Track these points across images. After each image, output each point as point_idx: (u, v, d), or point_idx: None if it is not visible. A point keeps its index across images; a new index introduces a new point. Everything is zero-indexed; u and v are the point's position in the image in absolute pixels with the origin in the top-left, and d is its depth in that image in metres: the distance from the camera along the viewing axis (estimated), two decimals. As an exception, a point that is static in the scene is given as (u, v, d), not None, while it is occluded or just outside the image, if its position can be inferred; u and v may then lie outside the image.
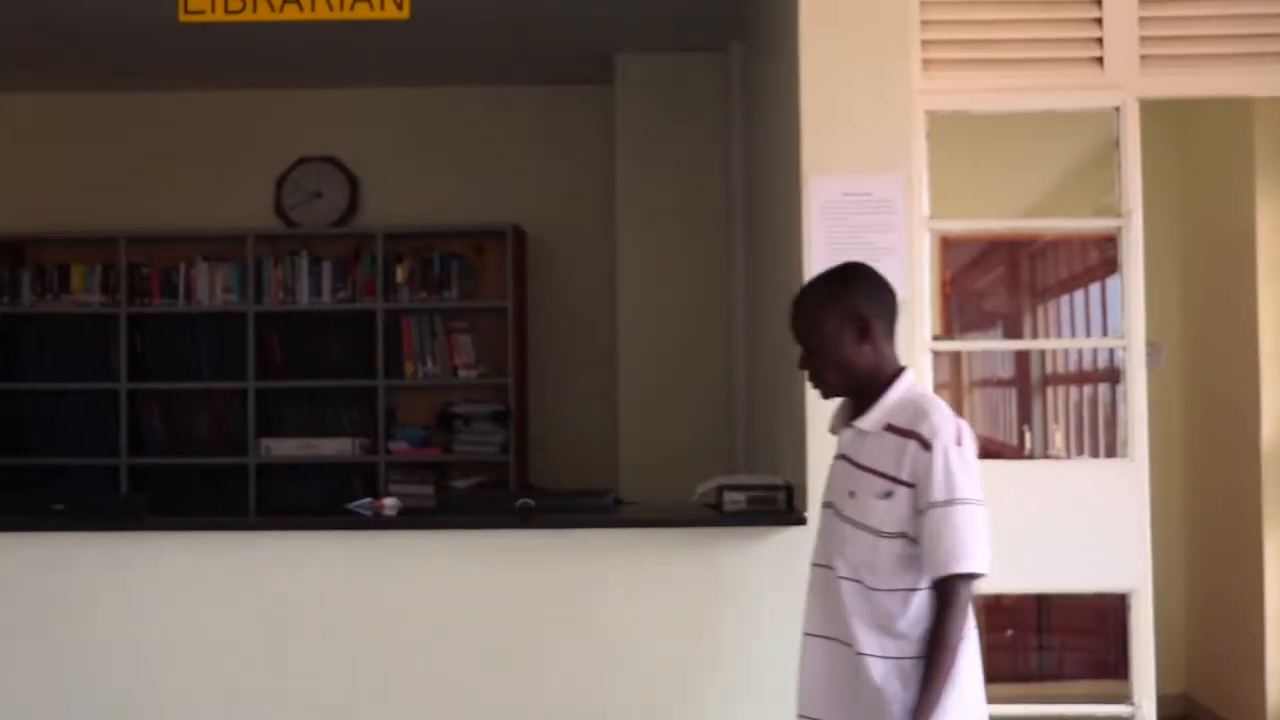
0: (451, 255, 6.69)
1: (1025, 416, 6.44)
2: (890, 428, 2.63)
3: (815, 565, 2.78)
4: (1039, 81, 3.79)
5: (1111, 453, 4.58)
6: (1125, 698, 3.72)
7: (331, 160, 6.90)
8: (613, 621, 3.53)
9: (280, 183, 6.89)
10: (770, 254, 4.57)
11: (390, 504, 3.71)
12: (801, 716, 2.73)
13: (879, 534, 2.60)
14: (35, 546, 3.53)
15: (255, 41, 6.06)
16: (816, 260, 3.54)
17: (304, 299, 6.67)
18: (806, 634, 2.76)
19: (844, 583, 2.65)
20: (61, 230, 6.84)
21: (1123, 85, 3.78)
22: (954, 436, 2.59)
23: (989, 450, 6.57)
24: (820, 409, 3.49)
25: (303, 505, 6.66)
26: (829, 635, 2.68)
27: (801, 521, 3.51)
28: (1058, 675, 5.77)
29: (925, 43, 3.73)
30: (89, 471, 6.74)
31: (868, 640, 2.59)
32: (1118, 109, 3.79)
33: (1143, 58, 3.79)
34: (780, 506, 3.67)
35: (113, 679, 3.51)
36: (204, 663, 3.50)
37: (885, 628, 2.59)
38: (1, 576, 3.51)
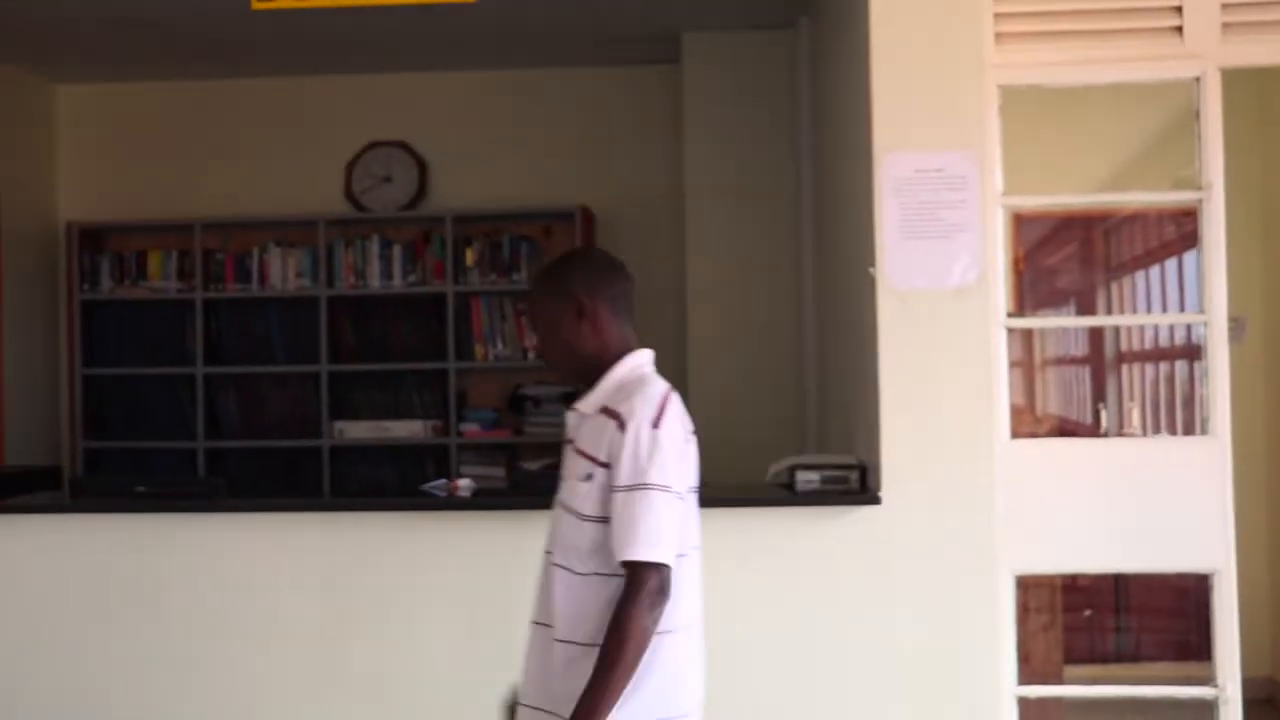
0: (520, 237, 6.71)
1: (1100, 394, 6.36)
2: (604, 410, 2.55)
3: (545, 552, 2.67)
4: (1115, 53, 3.72)
5: (1191, 430, 4.51)
6: (1208, 680, 3.66)
7: (401, 144, 6.94)
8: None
9: (350, 167, 6.95)
10: (841, 232, 4.53)
11: (464, 485, 3.73)
12: (519, 704, 2.61)
13: (582, 517, 2.51)
14: (120, 527, 3.59)
15: (324, 28, 6.11)
16: (889, 238, 3.52)
17: (375, 283, 6.73)
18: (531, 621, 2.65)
19: (554, 568, 2.55)
20: (139, 218, 6.96)
21: (1203, 54, 3.70)
22: (651, 418, 2.48)
23: (1063, 429, 6.50)
24: (897, 388, 3.48)
25: (375, 487, 6.73)
26: (539, 620, 2.59)
27: (876, 501, 3.49)
28: (1136, 657, 5.70)
29: (998, 15, 3.67)
30: (167, 455, 6.86)
31: (565, 625, 2.49)
32: (1198, 79, 3.71)
33: (1224, 25, 3.70)
34: (854, 486, 3.65)
35: (191, 655, 3.56)
36: (279, 641, 3.55)
37: (584, 614, 2.47)
38: (88, 556, 3.58)
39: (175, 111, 7.11)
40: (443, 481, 3.81)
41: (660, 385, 2.58)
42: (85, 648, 3.57)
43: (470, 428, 6.67)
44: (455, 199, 6.87)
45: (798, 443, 5.81)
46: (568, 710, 2.38)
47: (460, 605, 3.52)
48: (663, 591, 2.42)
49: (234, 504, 3.60)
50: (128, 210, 7.02)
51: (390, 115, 6.97)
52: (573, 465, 2.57)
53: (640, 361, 2.65)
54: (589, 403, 2.59)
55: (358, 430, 6.71)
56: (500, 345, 6.69)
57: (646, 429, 2.46)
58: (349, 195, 6.94)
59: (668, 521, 2.43)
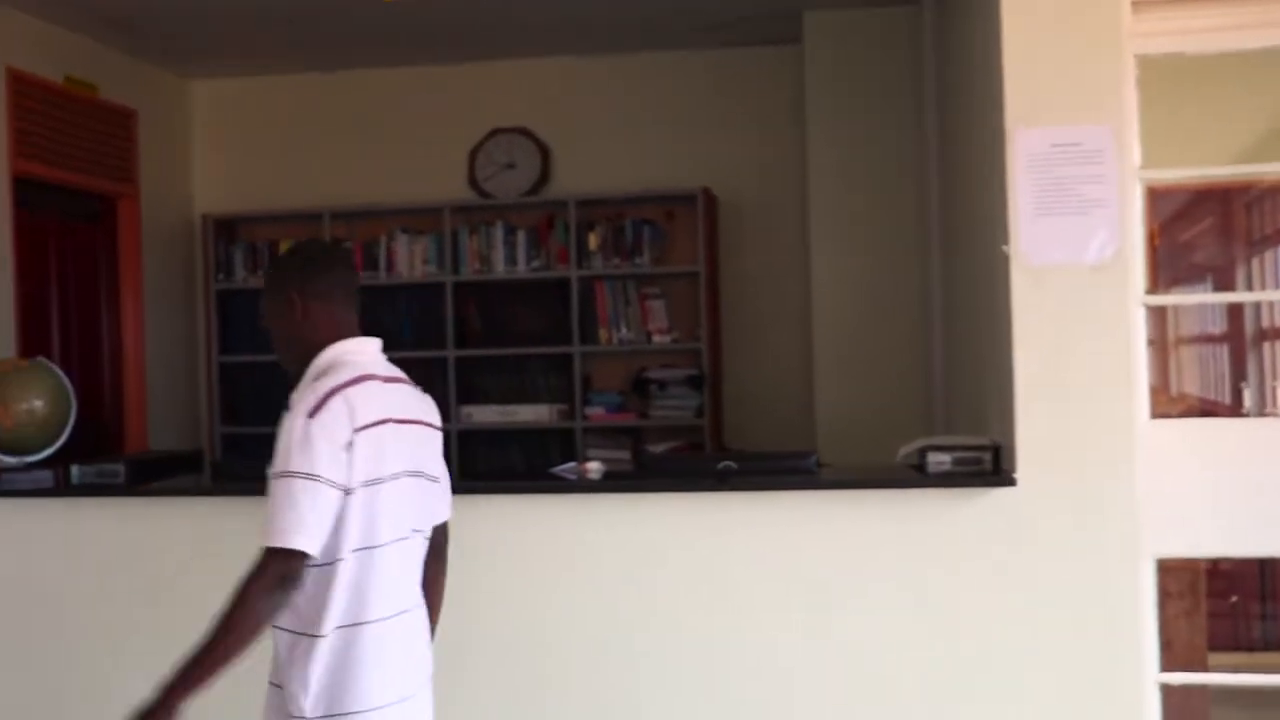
0: (643, 221, 6.72)
1: (1240, 373, 6.17)
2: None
3: None
4: (1260, 17, 3.58)
5: (1341, 409, 4.35)
6: (1362, 667, 3.54)
7: (523, 131, 7.00)
8: (818, 583, 3.51)
9: (474, 155, 7.02)
10: (971, 211, 4.46)
11: (594, 468, 3.75)
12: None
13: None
14: (259, 509, 3.67)
15: (448, 18, 6.19)
16: (1023, 215, 3.44)
17: (499, 268, 6.80)
18: None
19: None
20: (269, 209, 7.12)
21: (1354, 18, 3.55)
22: (310, 408, 2.49)
23: (1202, 409, 6.31)
24: (1033, 368, 3.41)
25: (502, 470, 6.80)
26: None
27: (1011, 482, 3.43)
28: (1285, 645, 5.53)
29: (1135, -18, 3.57)
30: (300, 439, 6.99)
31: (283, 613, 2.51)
32: (1348, 44, 3.57)
33: (1378, -13, 3.55)
34: (987, 468, 3.59)
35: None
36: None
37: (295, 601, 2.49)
38: (230, 538, 3.66)
39: (303, 104, 7.26)
40: (573, 464, 3.83)
41: (341, 377, 2.57)
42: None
43: (595, 411, 6.71)
44: (578, 184, 6.90)
45: (924, 424, 5.74)
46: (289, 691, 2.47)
47: (593, 587, 3.54)
48: (288, 579, 2.43)
49: (370, 487, 3.66)
50: (259, 201, 7.19)
51: (512, 102, 7.03)
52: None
53: (340, 351, 2.66)
54: (295, 394, 2.62)
55: (484, 414, 6.80)
56: (624, 329, 6.71)
57: (301, 419, 2.49)
58: (473, 182, 7.02)
59: (308, 510, 2.44)
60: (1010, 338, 3.48)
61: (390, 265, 6.90)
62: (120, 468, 3.87)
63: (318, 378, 2.60)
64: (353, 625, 2.50)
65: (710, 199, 6.72)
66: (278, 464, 2.51)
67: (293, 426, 2.51)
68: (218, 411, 7.07)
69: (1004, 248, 3.48)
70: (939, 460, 3.61)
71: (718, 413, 6.76)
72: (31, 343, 5.87)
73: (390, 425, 2.60)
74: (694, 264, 6.63)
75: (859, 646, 3.49)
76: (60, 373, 3.95)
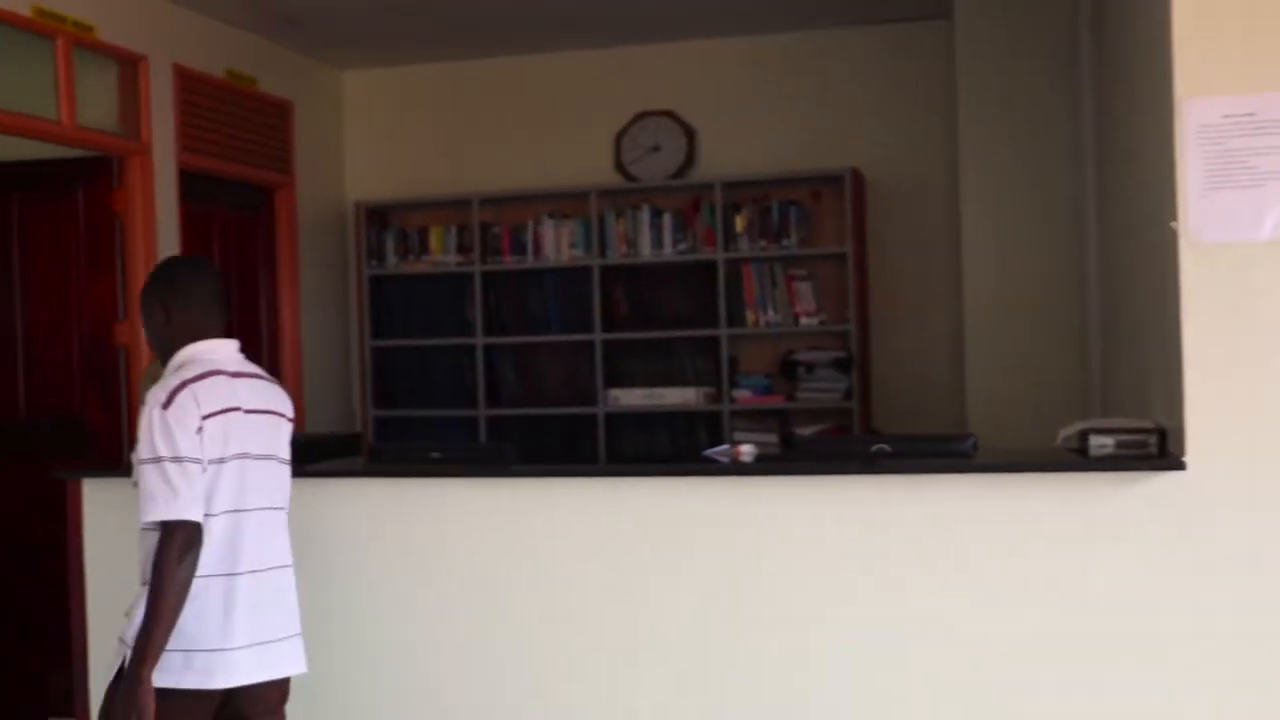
0: (790, 202, 6.67)
1: None
2: None
3: None
4: None
5: None
6: None
7: (669, 114, 6.99)
8: (974, 569, 3.44)
9: (619, 138, 7.04)
10: (1133, 187, 4.31)
11: (746, 451, 3.73)
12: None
13: (135, 484, 2.96)
14: (417, 491, 3.75)
15: (592, 2, 6.22)
16: (1192, 190, 3.32)
17: (645, 251, 6.81)
18: None
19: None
20: (419, 196, 7.24)
21: None
22: (162, 400, 2.91)
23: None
24: (1202, 348, 3.30)
25: (650, 453, 6.83)
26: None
27: (1180, 466, 3.31)
28: None
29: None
30: (449, 422, 7.13)
31: (140, 569, 3.00)
32: None
33: None
34: (1152, 451, 3.48)
35: (482, 615, 3.69)
36: (566, 603, 3.63)
37: (144, 560, 2.97)
38: (389, 516, 3.75)
39: (451, 91, 7.36)
40: (725, 447, 3.82)
41: (189, 374, 2.99)
42: (387, 606, 3.74)
43: (742, 394, 6.69)
44: (724, 166, 6.88)
45: (1080, 407, 5.59)
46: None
47: (745, 569, 3.53)
48: (192, 543, 2.87)
49: (526, 469, 3.70)
50: (409, 188, 7.32)
51: (657, 85, 7.04)
52: None
53: (193, 351, 3.07)
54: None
55: (631, 397, 6.83)
56: (771, 311, 6.67)
57: (157, 411, 2.91)
58: (619, 166, 7.04)
59: (185, 487, 2.87)
60: (1178, 317, 3.36)
61: (537, 249, 6.97)
62: (283, 449, 3.96)
63: (171, 374, 3.03)
64: (203, 577, 2.94)
65: (858, 179, 6.63)
66: (143, 452, 2.92)
67: (150, 418, 2.92)
68: (370, 395, 7.23)
69: (1172, 224, 3.36)
70: (1101, 443, 3.51)
71: (866, 395, 6.68)
72: (196, 329, 6.05)
73: (238, 413, 3.03)
74: (841, 245, 6.56)
75: (1017, 634, 3.41)
76: (226, 357, 4.05)
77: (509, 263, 7.02)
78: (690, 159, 6.97)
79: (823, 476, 3.53)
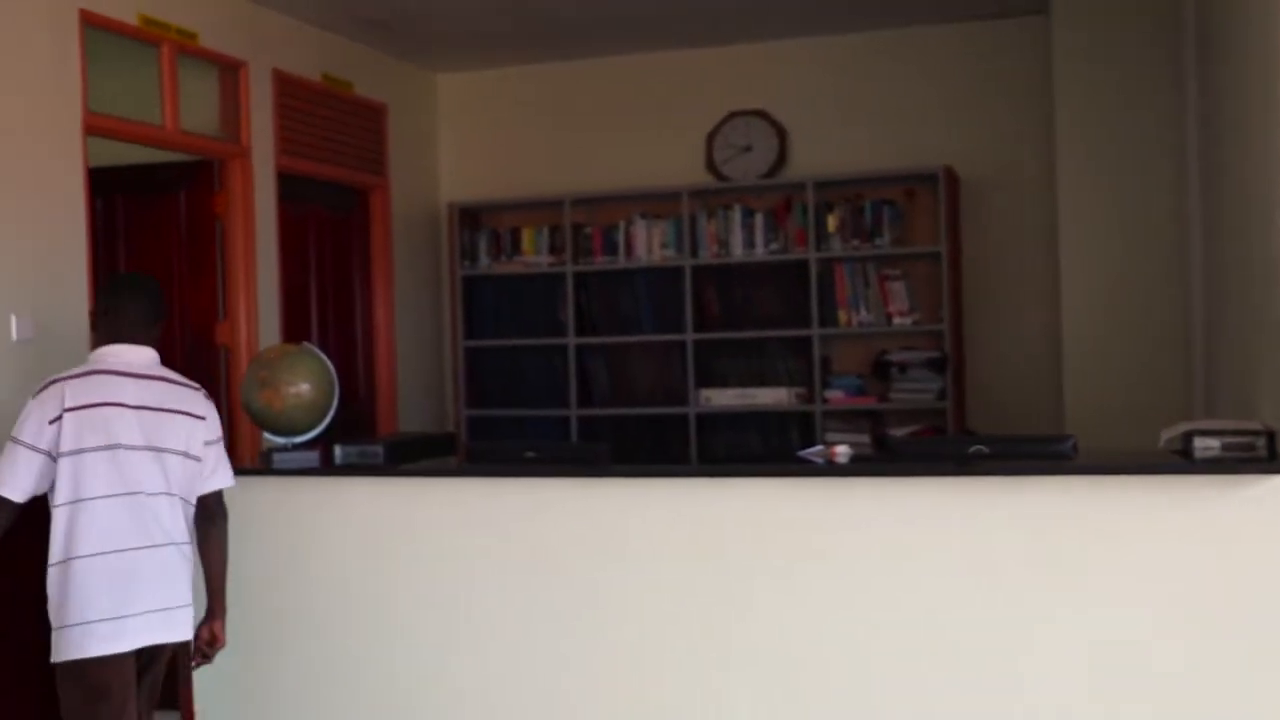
0: (882, 201, 6.61)
1: None
2: None
3: None
4: None
5: None
6: None
7: (760, 113, 6.97)
8: (1074, 573, 3.38)
9: (711, 138, 7.04)
10: (1241, 180, 4.21)
11: (842, 451, 3.70)
12: None
13: None
14: (513, 490, 3.77)
15: (683, 2, 6.22)
16: (1303, 184, 3.24)
17: (737, 251, 6.80)
18: None
19: None
20: (512, 196, 7.29)
21: None
22: (36, 390, 3.40)
23: None
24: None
25: (741, 454, 6.81)
26: None
27: (1288, 469, 3.23)
28: None
29: None
30: (541, 422, 7.17)
31: None
32: None
33: None
34: (1261, 453, 3.39)
35: (575, 615, 3.70)
36: (660, 603, 3.62)
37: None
38: (485, 516, 3.78)
39: (542, 93, 7.41)
40: (820, 448, 3.79)
41: (71, 371, 3.43)
42: (484, 604, 3.77)
43: (834, 394, 6.65)
44: (815, 165, 6.84)
45: (1183, 408, 5.48)
46: None
47: (842, 571, 3.51)
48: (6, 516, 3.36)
49: (620, 469, 3.71)
50: (502, 189, 7.37)
51: (748, 85, 7.02)
52: None
53: (97, 354, 3.50)
54: None
55: (723, 398, 6.81)
56: (864, 311, 6.62)
57: (31, 397, 3.39)
58: (710, 166, 7.03)
59: (9, 466, 3.33)
60: (1289, 316, 3.28)
61: (629, 250, 6.98)
62: (380, 449, 4.01)
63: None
64: (65, 561, 3.32)
65: (952, 177, 6.56)
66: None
67: (26, 402, 3.39)
68: (463, 395, 7.29)
69: (1282, 220, 3.28)
70: (1207, 445, 3.43)
71: (960, 396, 6.60)
72: (293, 328, 6.17)
73: (114, 408, 3.38)
74: (935, 244, 6.49)
75: (1119, 638, 3.35)
76: (325, 358, 4.12)
77: (601, 263, 7.04)
78: (782, 158, 6.94)
79: (921, 478, 3.49)
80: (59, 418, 3.32)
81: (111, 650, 3.31)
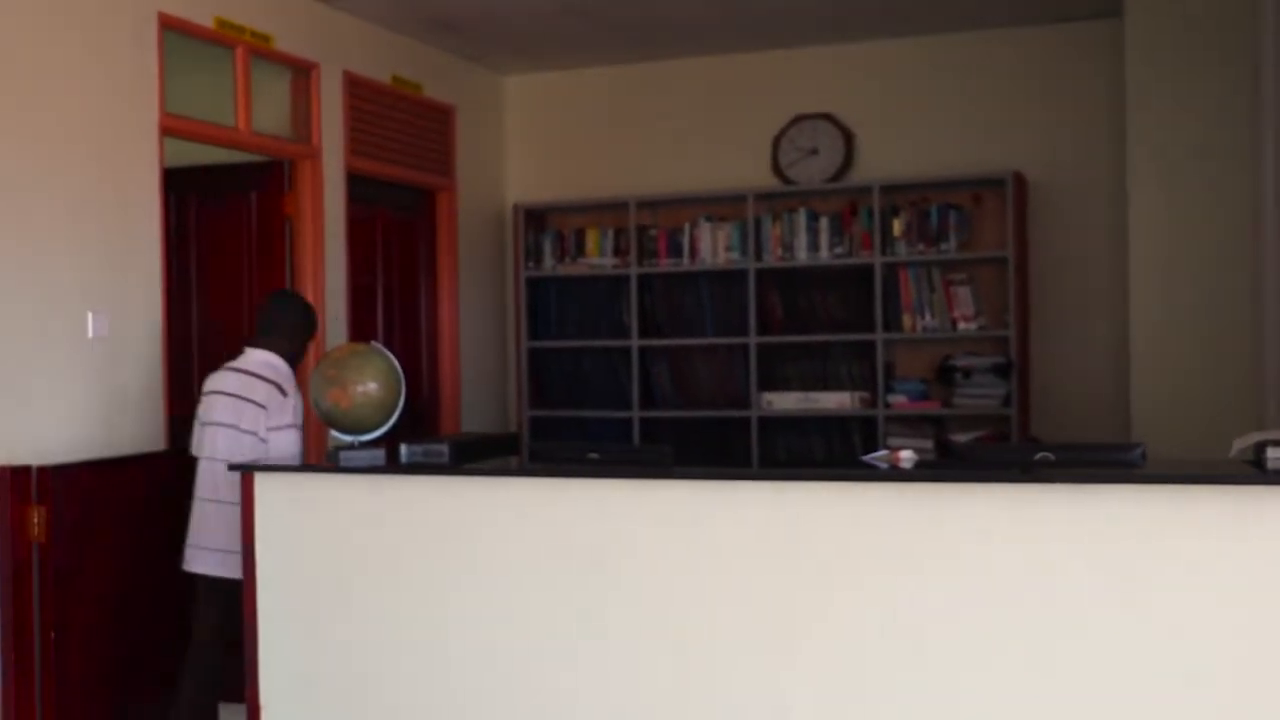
0: (949, 206, 6.57)
1: None
2: None
3: None
4: None
5: None
6: None
7: (826, 116, 6.95)
8: (1141, 584, 3.34)
9: (777, 141, 7.03)
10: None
11: (906, 456, 3.69)
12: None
13: None
14: (576, 491, 3.79)
15: (750, 5, 6.21)
16: (1381, 193, 3.18)
17: (802, 255, 6.78)
18: None
19: None
20: (577, 198, 7.33)
21: None
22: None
23: None
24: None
25: (803, 458, 6.80)
26: None
27: (1364, 482, 3.17)
28: None
29: None
30: (603, 424, 7.19)
31: None
32: None
33: None
34: (1334, 465, 3.34)
35: (640, 617, 3.71)
36: (727, 607, 3.62)
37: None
38: (550, 516, 3.79)
39: (609, 95, 7.43)
40: (884, 452, 3.78)
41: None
42: (540, 604, 3.79)
43: (898, 399, 6.62)
44: (882, 169, 6.82)
45: (1253, 418, 5.40)
46: None
47: (901, 576, 3.49)
48: None
49: (685, 471, 3.71)
50: (567, 191, 7.41)
51: (815, 88, 7.01)
52: None
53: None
54: None
55: (786, 401, 6.80)
56: (929, 316, 6.58)
57: None
58: (776, 169, 7.03)
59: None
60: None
61: (694, 252, 6.99)
62: (445, 448, 4.04)
63: None
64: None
65: (1020, 182, 6.51)
66: None
67: None
68: (526, 394, 7.33)
69: (1360, 229, 3.23)
70: (1279, 456, 3.38)
71: (1025, 402, 6.55)
72: (359, 327, 6.24)
73: (212, 395, 4.45)
74: (1001, 249, 6.45)
75: (1188, 650, 3.30)
76: (391, 357, 4.16)
77: (665, 265, 7.05)
78: (848, 162, 6.92)
79: (986, 484, 3.46)
80: (199, 399, 4.49)
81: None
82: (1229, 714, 3.27)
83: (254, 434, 4.34)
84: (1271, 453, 3.39)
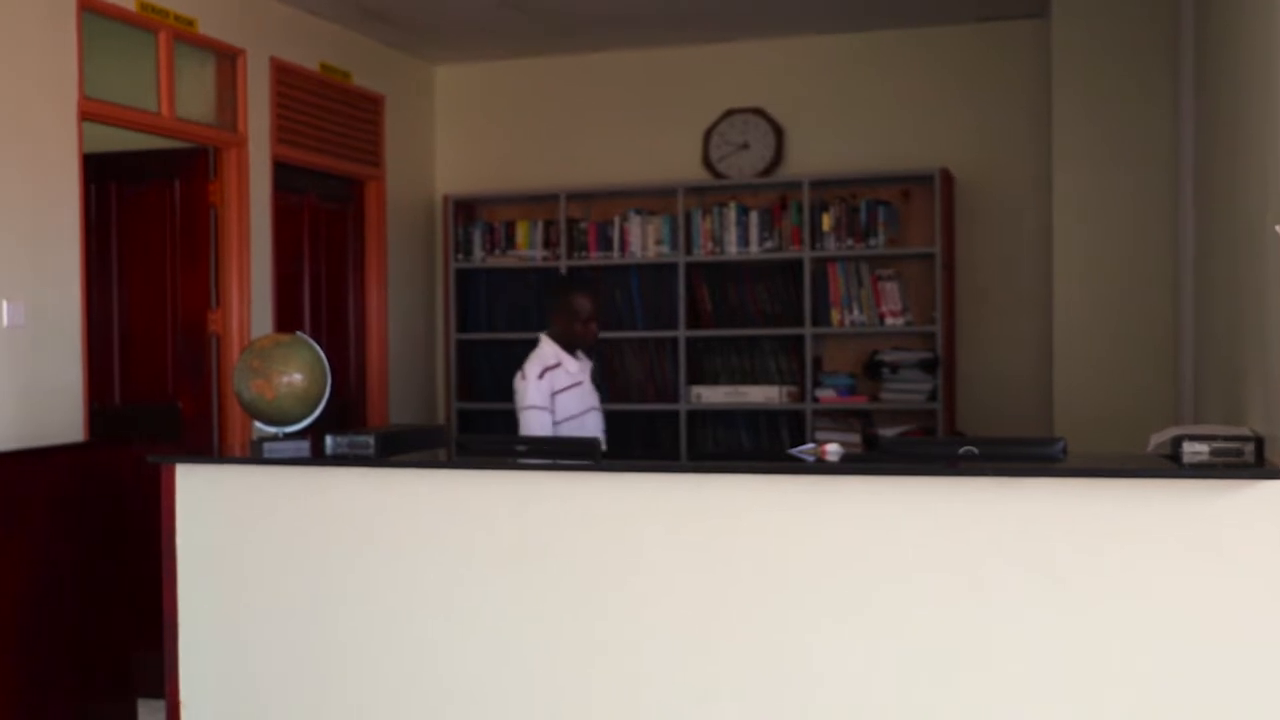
0: (878, 202, 6.62)
1: None
2: None
3: None
4: None
5: None
6: None
7: (757, 111, 6.98)
8: (1062, 575, 3.39)
9: (708, 135, 7.04)
10: (1234, 187, 4.23)
11: (833, 450, 3.70)
12: None
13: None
14: (503, 484, 3.77)
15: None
16: (1296, 192, 3.24)
17: (732, 249, 6.80)
18: None
19: None
20: (508, 190, 7.29)
21: None
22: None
23: None
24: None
25: (731, 451, 6.82)
26: None
27: (1277, 475, 3.23)
28: None
29: None
30: (533, 416, 7.15)
31: None
32: None
33: None
34: (1249, 459, 3.39)
35: (568, 610, 3.70)
36: (654, 600, 3.63)
37: None
38: (477, 508, 3.77)
39: (540, 87, 7.40)
40: (811, 445, 3.79)
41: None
42: (473, 598, 3.77)
43: (826, 393, 6.66)
44: (812, 164, 6.85)
45: (1171, 413, 5.50)
46: None
47: (828, 569, 3.51)
48: None
49: (612, 465, 3.71)
50: (498, 183, 7.37)
51: (746, 82, 7.02)
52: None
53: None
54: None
55: (714, 395, 6.82)
56: (857, 311, 6.63)
57: (518, 379, 4.97)
58: (706, 163, 7.04)
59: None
60: (1279, 322, 3.29)
61: (624, 245, 6.99)
62: (371, 440, 4.00)
63: None
64: None
65: (948, 179, 6.57)
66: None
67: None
68: (455, 387, 7.29)
69: (1277, 228, 3.29)
70: (1195, 450, 3.43)
71: (951, 397, 6.62)
72: (286, 317, 6.17)
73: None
74: (930, 245, 6.50)
75: (1104, 644, 3.35)
76: (317, 347, 4.11)
77: (595, 258, 7.04)
78: (778, 156, 6.95)
79: (910, 478, 3.49)
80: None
81: None
82: (1146, 698, 3.32)
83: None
84: (1188, 447, 3.44)
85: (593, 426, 4.98)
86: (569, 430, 4.89)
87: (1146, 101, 5.83)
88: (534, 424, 4.82)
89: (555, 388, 4.92)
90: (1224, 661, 3.29)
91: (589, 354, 5.13)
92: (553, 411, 4.85)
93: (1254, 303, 3.66)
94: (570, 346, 5.02)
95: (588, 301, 5.01)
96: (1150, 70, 5.82)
